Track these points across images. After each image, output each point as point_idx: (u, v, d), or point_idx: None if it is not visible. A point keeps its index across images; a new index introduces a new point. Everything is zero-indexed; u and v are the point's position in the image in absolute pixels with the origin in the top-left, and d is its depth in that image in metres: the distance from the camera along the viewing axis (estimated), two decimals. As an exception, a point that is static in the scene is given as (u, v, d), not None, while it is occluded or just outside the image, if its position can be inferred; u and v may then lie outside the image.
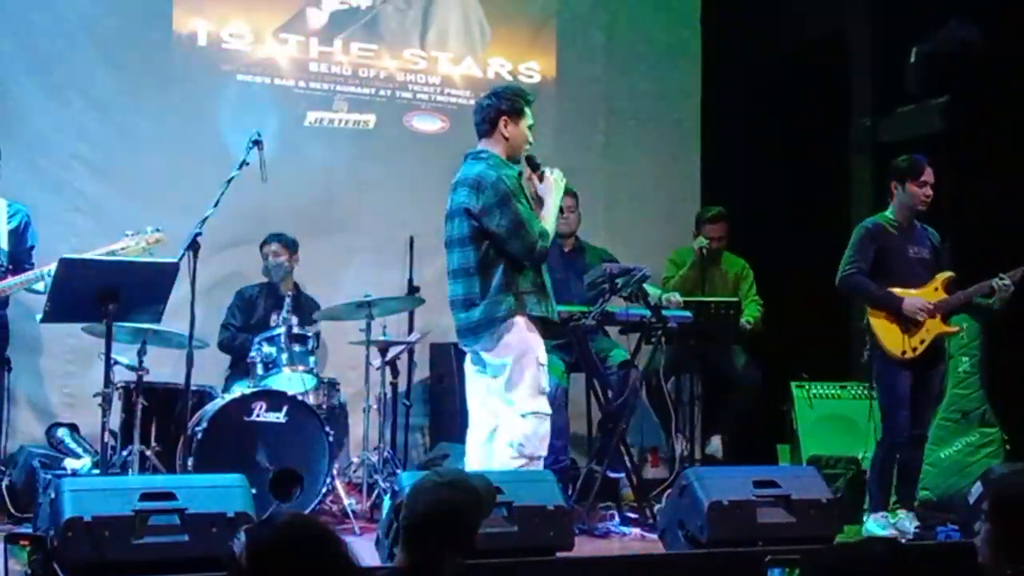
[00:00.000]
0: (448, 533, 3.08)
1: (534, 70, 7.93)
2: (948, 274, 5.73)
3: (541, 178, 5.00)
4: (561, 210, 6.43)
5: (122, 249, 5.39)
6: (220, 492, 4.20)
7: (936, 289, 5.70)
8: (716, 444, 6.89)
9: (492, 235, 4.76)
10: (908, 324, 5.62)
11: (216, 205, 5.50)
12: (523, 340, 4.78)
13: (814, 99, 7.86)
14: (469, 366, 5.04)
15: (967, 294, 5.67)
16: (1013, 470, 3.13)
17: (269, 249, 6.59)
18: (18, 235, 5.57)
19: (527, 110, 4.98)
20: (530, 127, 5.00)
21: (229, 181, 5.56)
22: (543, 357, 4.83)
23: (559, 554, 4.45)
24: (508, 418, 4.80)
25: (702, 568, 4.38)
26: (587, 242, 6.77)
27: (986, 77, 6.95)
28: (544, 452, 4.83)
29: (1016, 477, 3.05)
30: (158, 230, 5.49)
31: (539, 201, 4.96)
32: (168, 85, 6.99)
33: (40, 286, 5.38)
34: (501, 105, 4.94)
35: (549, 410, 4.85)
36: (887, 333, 5.63)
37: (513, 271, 4.79)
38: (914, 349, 5.62)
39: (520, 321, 4.78)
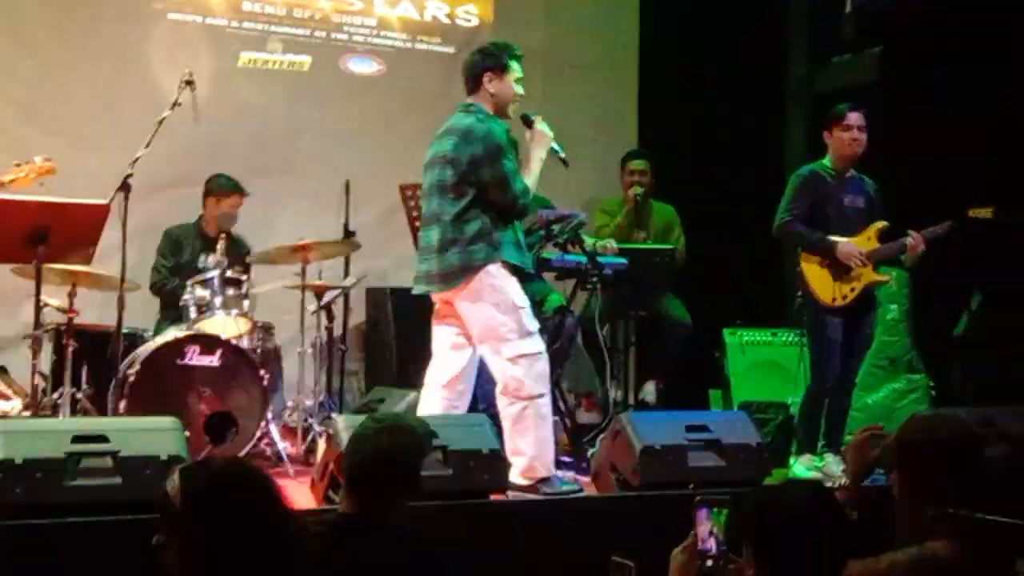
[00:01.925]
0: (392, 478, 3.10)
1: (472, 14, 7.88)
2: (881, 224, 5.80)
3: (531, 128, 5.03)
4: None
5: (10, 181, 5.29)
6: (153, 435, 4.17)
7: (869, 239, 5.77)
8: (650, 389, 6.96)
9: (476, 185, 4.79)
10: (840, 272, 5.70)
11: (147, 146, 5.44)
12: (499, 287, 4.80)
13: (751, 47, 7.89)
14: (437, 316, 5.02)
15: (889, 248, 5.76)
16: (916, 415, 3.18)
17: (228, 201, 6.38)
18: None
19: (513, 64, 4.98)
20: (517, 81, 4.99)
21: (160, 122, 5.50)
22: (520, 300, 4.85)
23: (492, 497, 4.49)
24: (498, 366, 4.81)
25: (633, 511, 4.44)
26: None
27: (921, 26, 7.02)
28: (545, 390, 4.84)
29: (919, 422, 3.09)
30: (48, 160, 5.40)
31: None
32: (98, 23, 6.86)
33: None
34: (485, 61, 4.97)
35: (540, 348, 4.86)
36: (819, 280, 5.71)
37: (492, 221, 4.81)
38: (844, 297, 5.71)
39: (496, 268, 4.80)
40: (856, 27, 7.27)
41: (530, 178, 4.91)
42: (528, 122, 5.07)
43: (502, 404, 4.85)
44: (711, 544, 2.84)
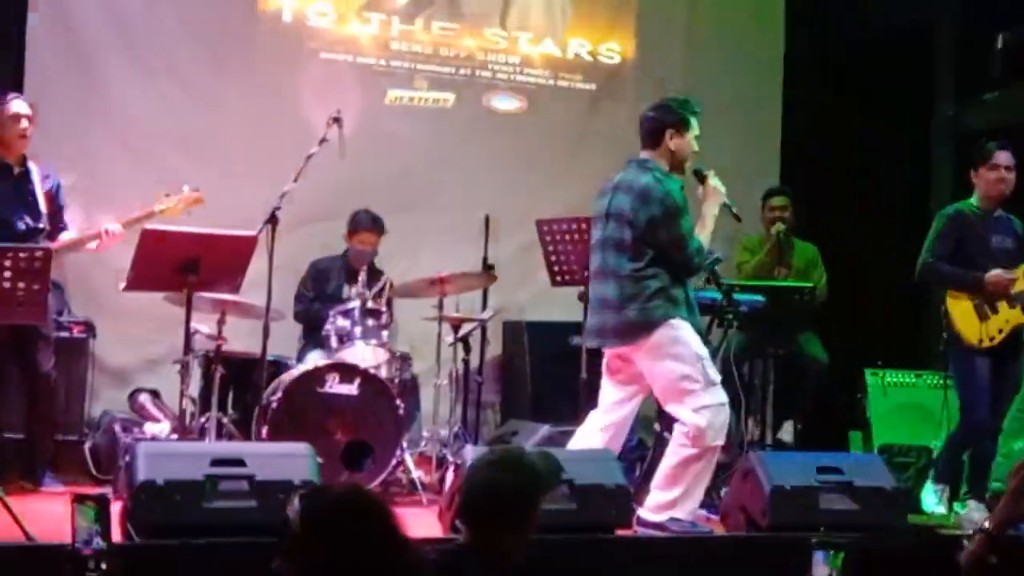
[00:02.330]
0: (504, 512, 3.13)
1: (614, 51, 7.93)
2: None
3: (704, 184, 5.08)
4: None
5: (161, 211, 5.53)
6: (287, 460, 4.32)
7: (1018, 279, 5.62)
8: (788, 429, 6.87)
9: (653, 245, 4.82)
10: (987, 312, 5.56)
11: (295, 180, 5.64)
12: (680, 338, 4.81)
13: (897, 86, 7.76)
14: (608, 370, 5.05)
15: None
16: None
17: (361, 237, 6.56)
18: (51, 198, 5.68)
19: (692, 121, 5.01)
20: (696, 138, 5.03)
21: (309, 157, 5.69)
22: (702, 350, 4.86)
23: (618, 532, 4.49)
24: (683, 416, 4.79)
25: (759, 552, 4.39)
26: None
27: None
28: (723, 442, 4.85)
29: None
30: (196, 190, 5.63)
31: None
32: (253, 62, 7.13)
33: (93, 245, 5.53)
34: (666, 118, 4.99)
35: (723, 399, 4.85)
36: (965, 321, 5.58)
37: (669, 279, 4.84)
38: (992, 338, 5.56)
39: (676, 322, 4.82)
40: (1005, 63, 7.09)
41: (704, 235, 4.94)
42: (701, 177, 5.08)
43: (678, 441, 4.81)
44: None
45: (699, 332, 4.97)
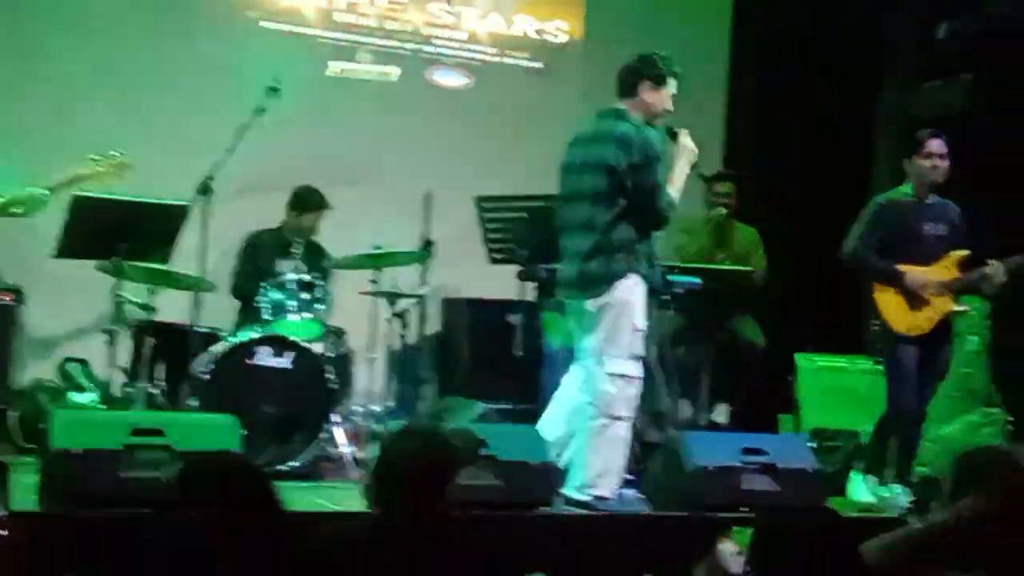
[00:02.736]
0: (417, 486, 3.11)
1: (562, 29, 7.90)
2: (963, 252, 5.68)
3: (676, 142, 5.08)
4: None
5: (89, 175, 5.46)
6: (210, 431, 4.28)
7: (948, 267, 5.66)
8: (722, 411, 6.90)
9: (629, 194, 4.81)
10: (916, 302, 5.60)
11: (230, 152, 5.58)
12: (629, 301, 4.83)
13: (843, 71, 7.78)
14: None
15: (968, 277, 5.63)
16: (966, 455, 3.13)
17: (312, 216, 6.55)
18: None
19: (671, 79, 5.01)
20: (672, 97, 5.02)
21: (243, 127, 5.64)
22: (641, 323, 4.87)
23: (540, 509, 4.50)
24: (595, 375, 4.84)
25: (680, 531, 4.41)
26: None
27: (1014, 55, 6.88)
28: (630, 414, 4.89)
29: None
30: (123, 154, 5.56)
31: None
32: (193, 28, 7.04)
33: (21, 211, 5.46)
34: (645, 70, 4.98)
35: (639, 374, 4.89)
36: (894, 310, 5.61)
37: (636, 231, 4.85)
38: (921, 328, 5.60)
39: (632, 281, 4.84)
40: (948, 54, 7.14)
41: (674, 191, 4.94)
42: (674, 135, 5.08)
43: (585, 414, 4.86)
44: (733, 563, 2.84)
45: (655, 288, 4.99)
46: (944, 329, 5.68)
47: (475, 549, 3.16)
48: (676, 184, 4.96)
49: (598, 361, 4.84)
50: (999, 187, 6.70)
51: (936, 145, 5.63)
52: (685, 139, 5.05)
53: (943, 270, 5.64)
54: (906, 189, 5.76)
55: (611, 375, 4.81)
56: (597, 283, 4.83)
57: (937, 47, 7.19)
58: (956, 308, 5.67)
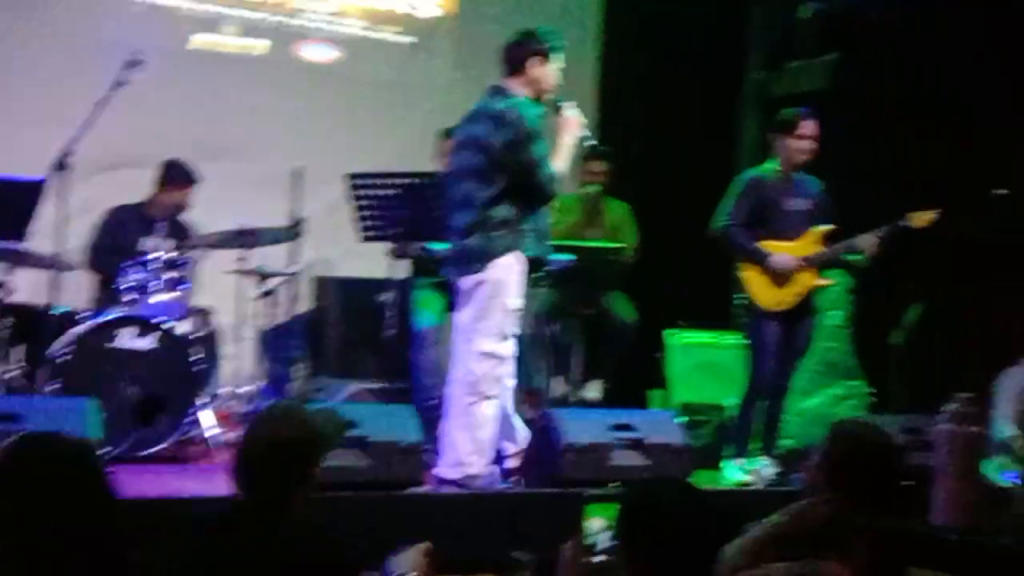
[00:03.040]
0: (278, 467, 3.05)
1: (433, 3, 7.83)
2: (826, 227, 5.80)
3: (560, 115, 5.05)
4: None
5: None
6: (69, 415, 4.15)
7: (813, 242, 5.77)
8: (594, 388, 6.95)
9: (507, 171, 4.78)
10: (780, 277, 5.70)
11: (86, 126, 5.40)
12: (504, 281, 4.80)
13: (711, 51, 7.88)
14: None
15: (835, 250, 5.76)
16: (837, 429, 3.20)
17: (183, 192, 6.36)
18: None
19: (557, 53, 4.98)
20: (559, 71, 5.00)
21: (102, 102, 5.46)
22: (515, 303, 4.85)
23: (411, 489, 4.47)
24: (465, 353, 4.83)
25: (552, 507, 4.42)
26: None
27: (876, 35, 7.04)
28: (497, 393, 4.86)
29: (845, 438, 3.12)
30: None
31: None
32: (49, 2, 6.79)
33: None
34: (531, 45, 4.95)
35: (509, 353, 4.87)
36: (759, 285, 5.71)
37: (518, 209, 4.82)
38: (785, 302, 5.71)
39: (509, 261, 4.81)
40: (812, 34, 7.28)
41: (560, 164, 4.92)
42: (558, 108, 5.06)
43: (453, 392, 4.86)
44: (600, 539, 2.85)
45: (542, 264, 4.99)
46: (807, 303, 5.80)
47: (340, 531, 3.11)
48: (561, 157, 4.95)
49: (467, 339, 4.82)
50: (856, 165, 6.87)
51: (811, 127, 5.73)
52: (569, 111, 5.03)
53: (808, 245, 5.76)
54: (773, 165, 5.85)
55: (480, 353, 4.79)
56: (473, 260, 4.82)
57: (800, 27, 7.31)
58: (821, 282, 5.79)
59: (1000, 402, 4.87)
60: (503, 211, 4.79)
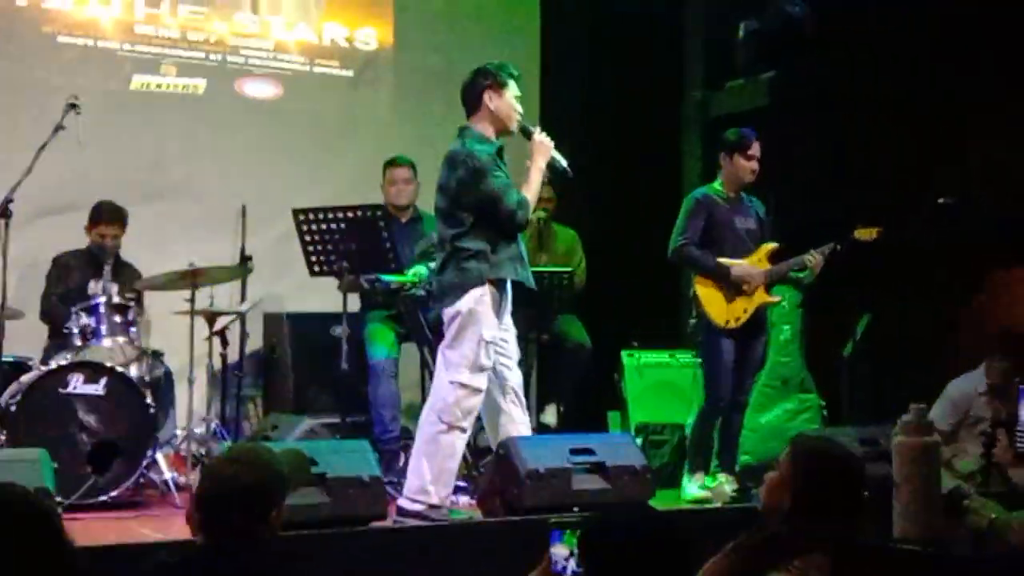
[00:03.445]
0: (239, 510, 3.01)
1: (371, 37, 7.82)
2: (771, 245, 5.89)
3: (530, 140, 5.07)
4: (407, 181, 6.52)
5: None
6: (16, 467, 4.07)
7: (760, 260, 5.84)
8: (550, 412, 6.95)
9: (469, 208, 4.83)
10: (732, 294, 5.76)
11: (28, 172, 5.35)
12: (478, 312, 4.83)
13: (650, 72, 7.94)
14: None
15: (786, 266, 5.83)
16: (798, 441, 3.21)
17: (107, 230, 6.27)
18: None
19: (510, 82, 5.02)
20: (517, 98, 5.04)
21: (42, 147, 5.40)
22: (489, 334, 4.85)
23: (373, 524, 4.44)
24: (440, 382, 4.87)
25: (515, 535, 4.41)
26: (426, 212, 6.73)
27: (812, 53, 7.13)
28: (467, 426, 4.88)
29: (808, 453, 3.13)
30: None
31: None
32: (-16, 45, 6.73)
33: None
34: (484, 80, 5.00)
35: (481, 385, 4.87)
36: (712, 302, 5.77)
37: (488, 240, 4.85)
38: (737, 319, 5.77)
39: (484, 291, 4.84)
40: (748, 53, 7.36)
41: (529, 189, 4.94)
42: (527, 133, 5.09)
43: (423, 419, 4.88)
44: (565, 566, 2.84)
45: (527, 288, 5.04)
46: (758, 320, 5.87)
47: (303, 570, 3.09)
48: (532, 180, 4.97)
49: (443, 368, 4.87)
50: (794, 181, 6.95)
51: (757, 148, 5.83)
52: (539, 136, 5.07)
53: (756, 263, 5.82)
54: (717, 185, 5.93)
55: (451, 383, 4.81)
56: (447, 294, 4.88)
57: (738, 46, 7.40)
58: (770, 299, 5.86)
59: (935, 415, 4.92)
60: (472, 244, 4.84)
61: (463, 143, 4.92)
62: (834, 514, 2.93)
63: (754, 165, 5.84)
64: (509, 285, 4.96)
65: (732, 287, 5.76)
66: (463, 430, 4.85)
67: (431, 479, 4.77)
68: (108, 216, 6.28)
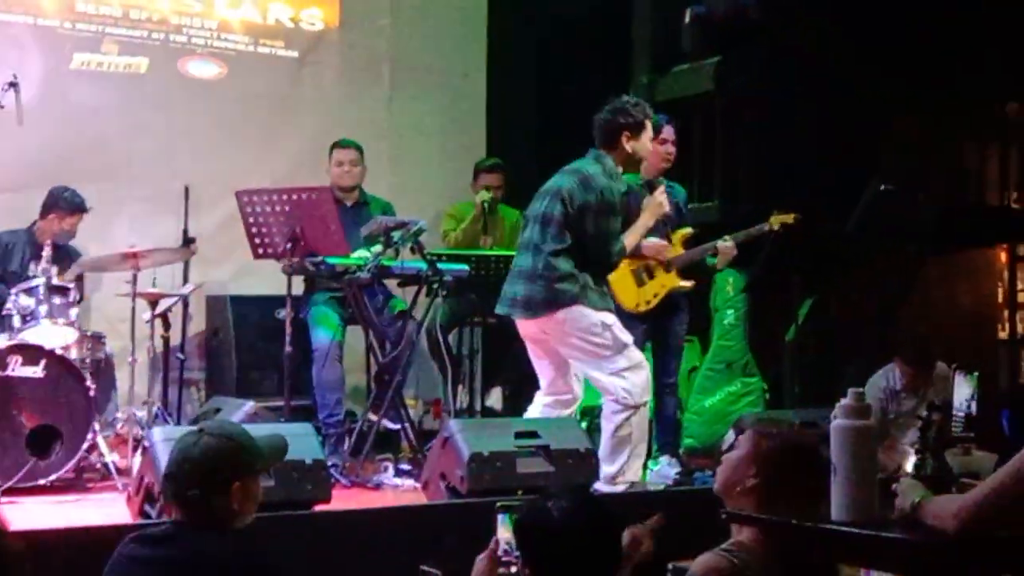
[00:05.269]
0: (199, 477, 2.96)
1: (316, 17, 7.76)
2: (687, 231, 5.96)
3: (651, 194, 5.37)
4: (353, 163, 6.49)
5: None
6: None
7: (674, 245, 5.89)
8: (496, 396, 6.97)
9: (576, 233, 4.99)
10: (643, 278, 5.78)
11: (-34, 151, 5.28)
12: (585, 316, 4.99)
13: (599, 55, 7.95)
14: (525, 333, 5.24)
15: (697, 252, 5.89)
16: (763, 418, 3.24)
17: (71, 220, 6.23)
18: None
19: (647, 123, 5.17)
20: (650, 140, 5.25)
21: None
22: (608, 318, 5.04)
23: (317, 507, 4.43)
24: (603, 382, 5.06)
25: (459, 519, 4.42)
26: (372, 195, 6.71)
27: (757, 39, 7.18)
28: (647, 398, 5.11)
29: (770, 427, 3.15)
30: None
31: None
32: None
33: None
34: (623, 121, 5.13)
35: (640, 358, 5.11)
36: (623, 287, 5.77)
37: (581, 267, 5.02)
38: (648, 302, 5.80)
39: (580, 307, 5.01)
40: (694, 38, 7.40)
41: (630, 239, 5.16)
42: (652, 187, 5.37)
43: (608, 409, 5.09)
44: (510, 550, 2.85)
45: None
46: (672, 304, 5.89)
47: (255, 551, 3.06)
48: (636, 233, 5.22)
49: (597, 369, 5.09)
50: (741, 165, 7.01)
51: (669, 131, 5.87)
52: (660, 196, 5.29)
53: (671, 248, 5.85)
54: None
55: (615, 373, 5.06)
56: (540, 307, 5.06)
57: (683, 32, 7.43)
58: (682, 285, 5.88)
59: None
60: (567, 265, 5.02)
61: (602, 171, 5.06)
62: (799, 499, 2.94)
63: (668, 149, 5.87)
64: None
65: (644, 271, 5.78)
66: (644, 407, 5.10)
67: (625, 461, 5.03)
68: (74, 207, 6.25)
